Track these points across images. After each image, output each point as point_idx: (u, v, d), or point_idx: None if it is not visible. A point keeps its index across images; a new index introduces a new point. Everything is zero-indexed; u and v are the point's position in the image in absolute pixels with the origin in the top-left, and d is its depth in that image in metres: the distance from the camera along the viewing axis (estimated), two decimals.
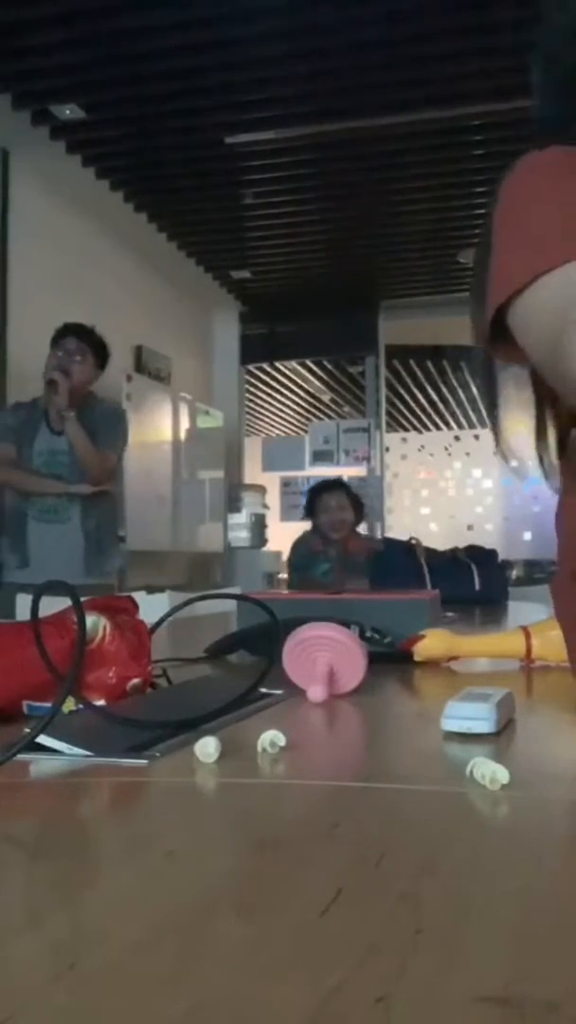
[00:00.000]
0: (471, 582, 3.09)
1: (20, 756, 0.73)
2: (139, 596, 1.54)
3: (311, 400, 10.75)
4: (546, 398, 0.91)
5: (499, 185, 0.85)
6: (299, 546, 4.53)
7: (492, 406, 0.92)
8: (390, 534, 7.66)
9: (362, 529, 6.64)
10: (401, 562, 3.23)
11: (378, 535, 7.64)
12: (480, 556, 3.23)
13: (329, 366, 9.16)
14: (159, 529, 6.24)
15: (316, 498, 4.50)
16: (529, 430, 0.91)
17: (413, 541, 3.37)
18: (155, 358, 6.53)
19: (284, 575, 6.64)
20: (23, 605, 2.34)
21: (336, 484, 4.67)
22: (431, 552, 3.30)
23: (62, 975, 0.38)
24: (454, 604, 2.58)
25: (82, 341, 3.40)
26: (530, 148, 0.85)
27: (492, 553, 3.30)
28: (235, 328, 7.98)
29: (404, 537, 3.63)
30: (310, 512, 4.50)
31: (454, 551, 3.32)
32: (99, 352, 3.44)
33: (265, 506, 7.99)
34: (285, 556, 7.96)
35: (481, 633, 1.81)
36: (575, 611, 0.87)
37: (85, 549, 3.39)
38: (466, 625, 2.17)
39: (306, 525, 4.58)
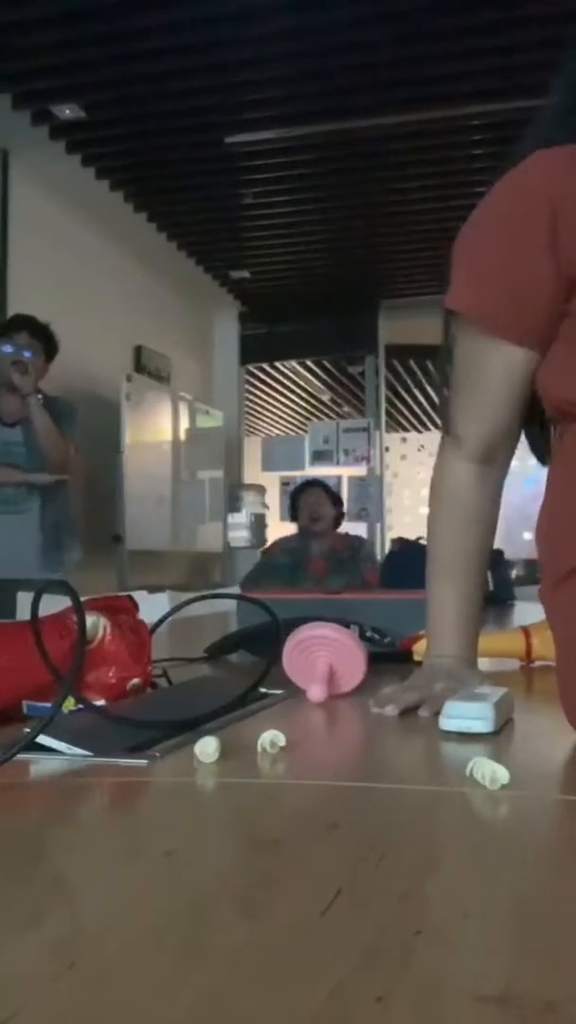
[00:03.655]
0: (484, 582, 3.08)
1: (20, 756, 0.73)
2: (139, 596, 1.54)
3: (311, 400, 10.74)
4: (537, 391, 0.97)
5: (502, 174, 0.93)
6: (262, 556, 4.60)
7: (443, 382, 1.05)
8: (390, 534, 7.66)
9: (362, 529, 6.68)
10: (415, 562, 3.22)
11: (378, 535, 7.64)
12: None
13: (329, 366, 9.14)
14: (159, 529, 6.23)
15: (297, 498, 4.65)
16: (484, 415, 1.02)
17: (423, 541, 3.36)
18: (155, 358, 6.53)
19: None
20: (23, 605, 2.33)
21: (312, 483, 4.89)
22: None
23: (62, 975, 0.38)
24: None
25: (34, 336, 3.31)
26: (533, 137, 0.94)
27: (499, 553, 3.30)
28: (235, 328, 7.98)
29: (407, 536, 3.63)
30: (293, 514, 4.61)
31: None
32: (49, 348, 3.35)
33: (265, 506, 7.98)
34: None
35: (480, 632, 1.81)
36: (562, 616, 0.88)
37: (43, 542, 3.30)
38: None
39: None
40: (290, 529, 4.95)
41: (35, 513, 3.29)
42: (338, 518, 4.57)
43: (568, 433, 0.91)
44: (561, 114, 0.96)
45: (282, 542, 4.64)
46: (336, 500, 4.65)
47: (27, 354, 3.25)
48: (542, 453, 1.04)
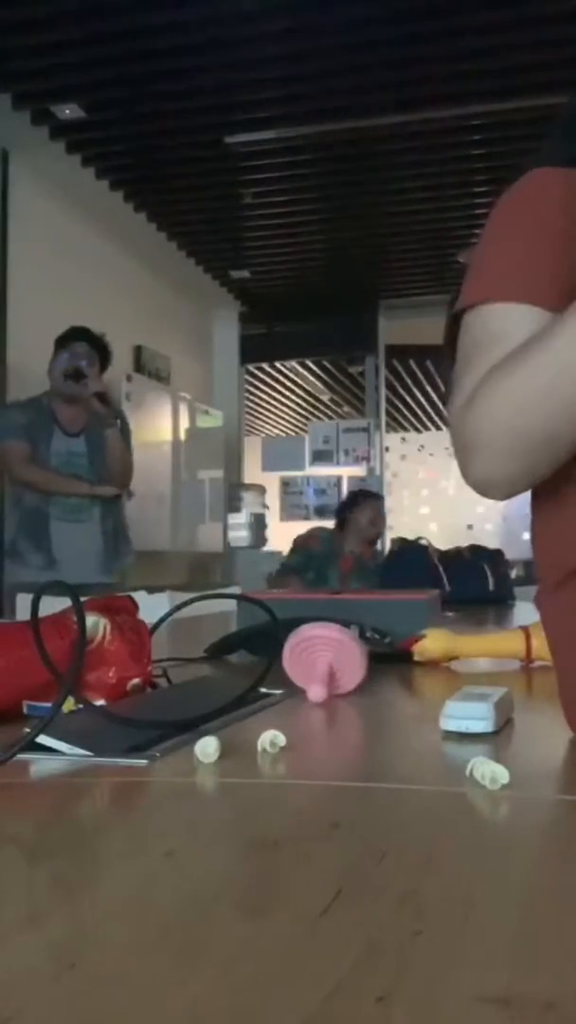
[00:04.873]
0: (485, 582, 3.09)
1: (20, 756, 0.73)
2: (139, 596, 1.54)
3: (311, 400, 10.75)
4: None
5: (500, 196, 0.90)
6: (310, 542, 4.63)
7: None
8: (390, 534, 7.66)
9: None
10: (415, 562, 3.24)
11: None
12: (489, 556, 3.23)
13: (329, 366, 9.15)
14: (159, 529, 6.23)
15: (358, 500, 4.76)
16: None
17: (423, 542, 3.39)
18: (155, 358, 6.53)
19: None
20: (23, 605, 2.34)
21: (377, 494, 5.08)
22: (441, 552, 3.31)
23: (62, 975, 0.38)
24: (469, 604, 2.59)
25: (92, 346, 3.41)
26: (536, 154, 0.90)
27: (499, 553, 3.30)
28: (235, 328, 7.98)
29: (407, 536, 3.65)
30: (344, 512, 4.67)
31: (459, 550, 3.33)
32: (104, 358, 3.46)
33: (265, 506, 7.98)
34: (286, 555, 7.98)
35: (480, 633, 1.81)
36: (559, 621, 0.88)
37: (103, 548, 3.44)
38: (468, 625, 2.17)
39: (312, 524, 4.67)
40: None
41: (96, 521, 3.43)
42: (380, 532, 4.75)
43: None
44: (558, 138, 0.94)
45: (318, 531, 4.75)
46: None
47: (83, 363, 3.33)
48: None
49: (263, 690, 1.04)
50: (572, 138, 0.91)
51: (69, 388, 3.33)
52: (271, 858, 0.53)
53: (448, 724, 0.85)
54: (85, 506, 3.40)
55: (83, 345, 3.38)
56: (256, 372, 9.06)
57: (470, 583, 3.03)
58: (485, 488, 0.81)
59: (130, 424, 3.65)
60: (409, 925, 0.42)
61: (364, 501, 4.73)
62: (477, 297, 0.86)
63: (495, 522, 11.37)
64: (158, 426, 6.37)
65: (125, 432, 3.51)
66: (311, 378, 9.65)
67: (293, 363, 8.99)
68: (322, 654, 1.08)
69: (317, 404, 10.87)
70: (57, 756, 0.76)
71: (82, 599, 0.89)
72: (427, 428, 12.34)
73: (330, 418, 10.69)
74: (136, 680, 0.99)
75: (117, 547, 3.52)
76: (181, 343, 7.09)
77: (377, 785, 0.70)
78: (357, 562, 4.37)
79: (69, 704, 0.84)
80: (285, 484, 8.55)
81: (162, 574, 6.08)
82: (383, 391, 8.11)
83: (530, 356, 0.77)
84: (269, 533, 7.86)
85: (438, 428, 12.28)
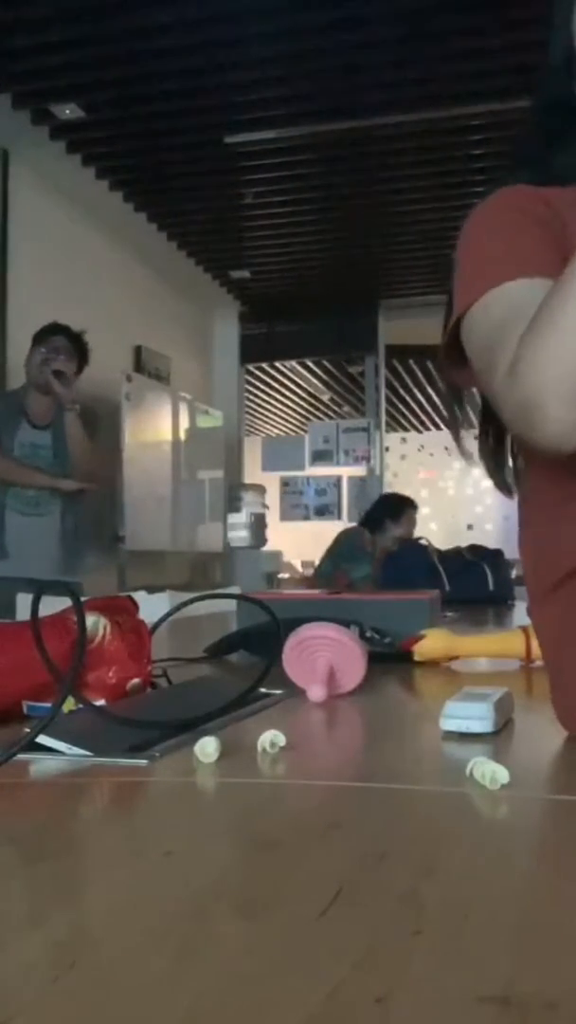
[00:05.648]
0: (485, 582, 3.10)
1: (20, 756, 0.73)
2: (139, 596, 1.54)
3: (311, 400, 10.74)
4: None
5: (467, 216, 0.94)
6: (351, 538, 4.59)
7: (453, 416, 1.00)
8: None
9: None
10: (415, 562, 3.24)
11: None
12: (489, 556, 3.24)
13: (329, 366, 9.14)
14: (159, 529, 6.23)
15: (405, 506, 4.66)
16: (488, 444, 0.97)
17: (423, 541, 3.39)
18: (155, 358, 6.53)
19: (305, 561, 6.62)
20: (23, 605, 2.33)
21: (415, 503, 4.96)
22: (441, 552, 3.31)
23: (62, 975, 0.38)
24: (469, 604, 2.60)
25: (71, 342, 3.37)
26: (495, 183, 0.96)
27: (499, 552, 3.31)
28: (235, 328, 7.97)
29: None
30: (391, 515, 4.58)
31: (459, 550, 3.33)
32: (82, 356, 3.42)
33: (265, 506, 7.98)
34: (285, 556, 7.92)
35: (480, 633, 1.82)
36: (558, 621, 0.88)
37: (61, 545, 3.35)
38: (468, 625, 2.17)
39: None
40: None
41: (56, 516, 3.34)
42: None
43: (538, 456, 0.89)
44: (520, 162, 0.99)
45: (364, 532, 4.71)
46: None
47: (61, 357, 3.29)
48: (507, 486, 0.96)
49: (263, 690, 1.04)
50: (527, 170, 0.96)
51: (46, 377, 3.28)
52: (271, 858, 0.53)
53: (448, 724, 0.85)
54: (44, 499, 3.31)
55: (61, 339, 3.35)
56: (256, 372, 9.06)
57: (470, 583, 3.05)
58: (565, 439, 0.75)
59: (125, 422, 3.60)
60: (409, 925, 0.42)
61: (407, 512, 4.61)
62: (483, 288, 0.85)
63: (495, 522, 11.37)
64: (158, 426, 6.36)
65: (87, 420, 3.41)
66: (311, 378, 9.65)
67: (293, 363, 8.99)
68: (322, 654, 1.08)
69: (317, 404, 10.87)
70: (57, 756, 0.76)
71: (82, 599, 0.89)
72: (427, 428, 12.33)
73: (330, 418, 10.69)
74: (136, 680, 0.99)
75: (77, 546, 3.42)
76: (181, 343, 7.09)
77: (377, 785, 0.70)
78: (382, 561, 4.39)
79: (69, 704, 0.84)
80: (285, 484, 8.55)
81: (162, 574, 6.08)
82: (383, 391, 8.11)
83: (560, 296, 0.75)
84: (269, 533, 7.86)
85: (438, 428, 12.28)
